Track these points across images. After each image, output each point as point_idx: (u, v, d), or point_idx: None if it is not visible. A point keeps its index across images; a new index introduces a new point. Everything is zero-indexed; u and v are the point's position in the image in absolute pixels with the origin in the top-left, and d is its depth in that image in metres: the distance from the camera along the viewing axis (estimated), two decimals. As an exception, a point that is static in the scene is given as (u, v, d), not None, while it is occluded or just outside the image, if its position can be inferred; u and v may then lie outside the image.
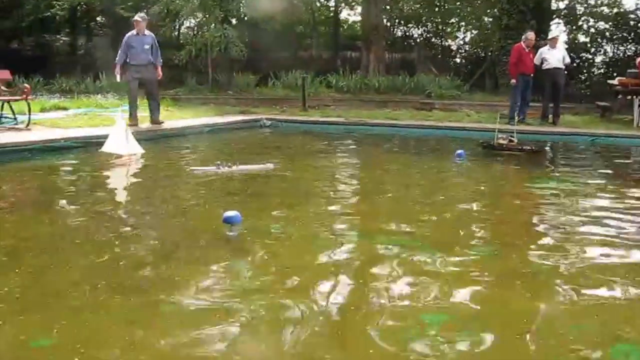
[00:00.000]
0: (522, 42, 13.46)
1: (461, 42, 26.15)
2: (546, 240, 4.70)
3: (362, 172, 8.49)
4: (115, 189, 7.06)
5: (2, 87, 12.04)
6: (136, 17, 11.81)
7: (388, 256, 4.17)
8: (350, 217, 5.53)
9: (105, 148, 9.07)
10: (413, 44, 26.34)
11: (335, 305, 3.32)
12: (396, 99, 18.75)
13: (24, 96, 11.09)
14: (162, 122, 12.04)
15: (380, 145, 11.24)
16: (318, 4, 29.31)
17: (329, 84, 20.81)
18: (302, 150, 10.65)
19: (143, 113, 12.05)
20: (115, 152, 8.97)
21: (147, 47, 11.60)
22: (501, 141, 9.54)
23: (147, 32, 11.77)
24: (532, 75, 13.45)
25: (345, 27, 30.33)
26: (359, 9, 27.81)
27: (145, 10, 17.96)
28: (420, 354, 2.78)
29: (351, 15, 30.29)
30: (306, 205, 5.94)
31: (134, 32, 11.65)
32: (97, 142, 9.81)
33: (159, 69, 11.83)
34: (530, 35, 13.57)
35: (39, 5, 26.46)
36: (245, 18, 27.03)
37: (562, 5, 22.75)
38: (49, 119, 12.26)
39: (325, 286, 3.62)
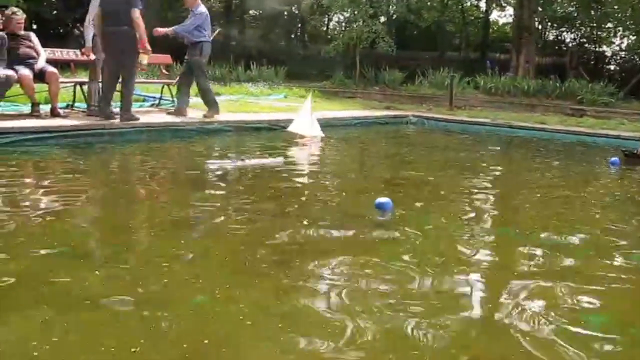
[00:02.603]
0: (687, 50, 12.80)
1: (617, 48, 25.16)
2: None
3: (507, 172, 8.39)
4: (267, 169, 7.32)
5: (163, 71, 12.81)
6: None
7: (537, 257, 4.14)
8: (494, 216, 5.53)
9: (291, 128, 9.82)
10: (565, 48, 25.60)
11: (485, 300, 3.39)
12: (545, 103, 18.29)
13: (183, 80, 11.77)
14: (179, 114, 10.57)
15: (527, 148, 11.06)
16: (468, 4, 29.05)
17: (477, 84, 20.56)
18: (446, 147, 10.66)
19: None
20: (299, 133, 9.77)
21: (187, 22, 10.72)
22: None
23: (196, 8, 10.63)
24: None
25: (495, 28, 29.89)
26: (509, 10, 27.35)
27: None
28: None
29: (501, 17, 29.84)
30: (448, 200, 5.98)
31: None
32: (247, 127, 10.40)
33: (159, 30, 10.49)
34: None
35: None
36: (394, 16, 27.20)
37: None
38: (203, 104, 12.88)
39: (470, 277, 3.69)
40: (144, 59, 9.36)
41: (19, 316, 2.83)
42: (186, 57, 10.73)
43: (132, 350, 2.54)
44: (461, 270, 3.74)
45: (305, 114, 10.03)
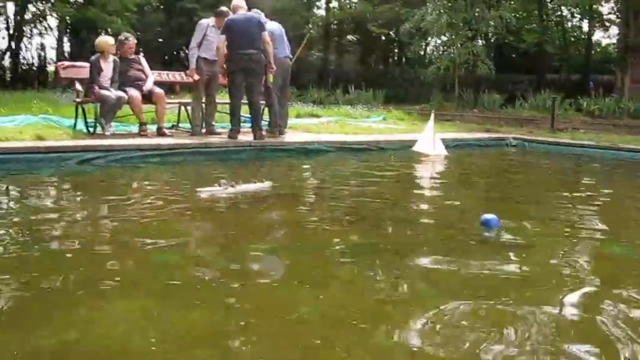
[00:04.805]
0: None
1: None
2: None
3: (614, 193, 8.11)
4: (375, 185, 7.40)
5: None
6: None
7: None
8: (602, 234, 5.38)
9: (416, 148, 10.28)
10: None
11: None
12: (653, 125, 17.68)
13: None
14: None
15: (634, 170, 10.73)
16: (570, 25, 28.49)
17: (579, 106, 20.10)
18: (549, 168, 10.48)
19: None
20: (423, 152, 10.15)
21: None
22: None
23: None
24: None
25: (598, 49, 29.18)
26: (613, 30, 26.68)
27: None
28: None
29: (604, 37, 29.14)
30: (554, 219, 5.88)
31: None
32: (344, 148, 10.59)
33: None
34: None
35: (297, 22, 28.39)
36: (493, 38, 26.96)
37: None
38: (303, 124, 13.16)
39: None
40: (271, 77, 10.09)
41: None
42: None
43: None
44: (568, 285, 3.69)
45: (428, 133, 10.33)
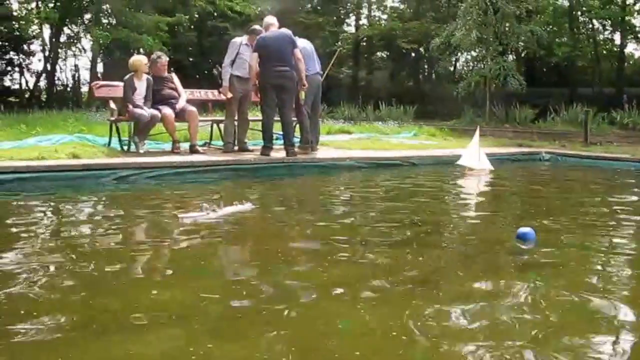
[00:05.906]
0: None
1: None
2: None
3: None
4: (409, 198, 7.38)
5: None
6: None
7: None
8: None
9: (461, 161, 10.42)
10: None
11: None
12: (689, 138, 17.42)
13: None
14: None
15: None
16: (601, 37, 28.26)
17: (612, 120, 19.90)
18: (583, 182, 10.36)
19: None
20: (468, 165, 10.31)
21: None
22: None
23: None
24: None
25: (631, 62, 28.87)
26: (648, 41, 26.40)
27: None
28: None
29: (637, 50, 28.85)
30: (591, 233, 5.81)
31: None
32: (378, 164, 10.65)
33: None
34: None
35: (327, 39, 28.52)
36: (524, 53, 26.84)
37: None
38: (335, 141, 13.20)
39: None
40: (302, 94, 10.17)
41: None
42: None
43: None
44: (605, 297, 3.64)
45: (474, 147, 10.50)
